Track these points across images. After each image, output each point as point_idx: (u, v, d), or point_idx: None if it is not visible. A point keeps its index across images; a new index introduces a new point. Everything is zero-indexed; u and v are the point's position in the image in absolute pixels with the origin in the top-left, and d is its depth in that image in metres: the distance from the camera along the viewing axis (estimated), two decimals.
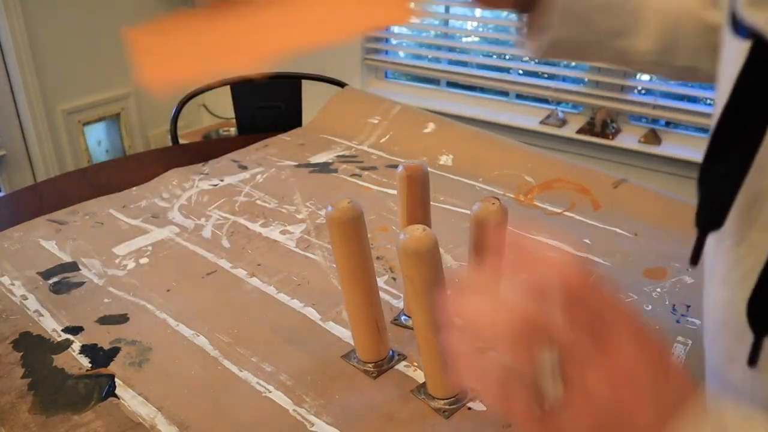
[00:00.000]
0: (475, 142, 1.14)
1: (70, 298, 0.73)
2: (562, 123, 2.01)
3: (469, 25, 2.30)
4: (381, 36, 2.34)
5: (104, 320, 0.69)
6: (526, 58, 2.12)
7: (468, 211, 0.58)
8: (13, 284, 0.75)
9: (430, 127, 1.20)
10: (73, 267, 0.79)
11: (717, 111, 0.38)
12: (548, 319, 0.27)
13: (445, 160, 1.12)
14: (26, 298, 0.73)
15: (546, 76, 2.09)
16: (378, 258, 0.81)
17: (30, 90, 2.20)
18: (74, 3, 2.29)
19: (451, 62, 2.25)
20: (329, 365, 0.62)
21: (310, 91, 1.65)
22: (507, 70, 2.14)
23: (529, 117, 2.09)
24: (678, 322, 0.69)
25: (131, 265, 0.80)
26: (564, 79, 2.04)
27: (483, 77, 2.14)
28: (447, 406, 0.56)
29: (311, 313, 0.70)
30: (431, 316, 0.52)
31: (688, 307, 0.72)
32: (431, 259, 0.49)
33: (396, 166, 1.13)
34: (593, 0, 0.53)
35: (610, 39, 0.55)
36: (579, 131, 1.95)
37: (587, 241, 0.86)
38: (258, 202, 0.97)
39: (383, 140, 1.20)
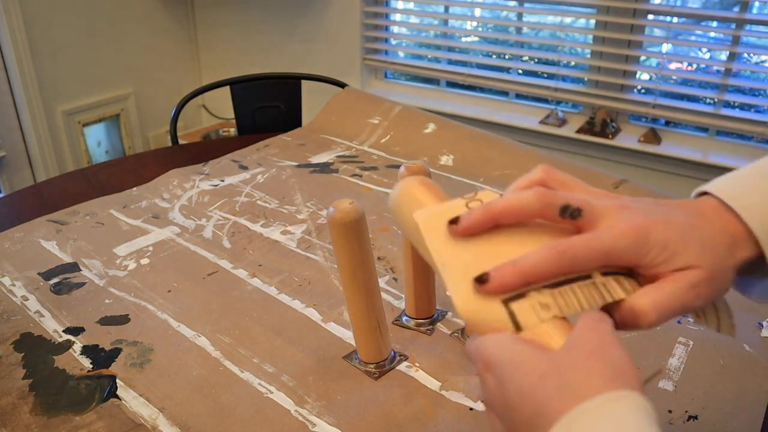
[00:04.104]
0: (476, 142, 1.14)
1: (71, 299, 0.73)
2: (562, 123, 2.01)
3: (469, 25, 2.30)
4: (381, 36, 2.34)
5: (105, 321, 0.69)
6: (526, 58, 2.12)
7: None
8: (13, 285, 0.75)
9: (431, 127, 1.20)
10: (73, 267, 0.79)
11: None
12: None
13: (446, 160, 1.12)
14: (27, 299, 0.73)
15: (546, 75, 2.09)
16: (379, 258, 0.81)
17: (30, 91, 2.20)
18: (74, 3, 2.29)
19: (450, 62, 2.25)
20: (331, 366, 0.62)
21: (310, 91, 1.65)
22: (507, 69, 2.14)
23: (528, 117, 2.09)
24: (679, 322, 0.69)
25: (132, 265, 0.80)
26: (564, 78, 2.04)
27: (483, 77, 2.14)
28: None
29: (312, 313, 0.70)
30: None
31: None
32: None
33: (397, 167, 1.13)
34: None
35: None
36: (579, 131, 1.95)
37: None
38: (259, 202, 0.97)
39: (384, 140, 1.20)
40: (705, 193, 0.40)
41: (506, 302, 0.34)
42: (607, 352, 0.31)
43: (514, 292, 0.34)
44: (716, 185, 0.39)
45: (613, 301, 0.35)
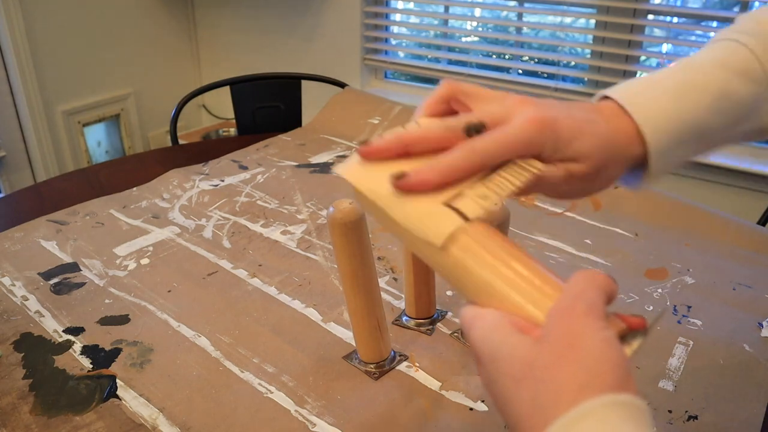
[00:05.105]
0: None
1: (71, 299, 0.73)
2: None
3: (469, 25, 2.30)
4: (381, 36, 2.34)
5: (105, 321, 0.69)
6: (526, 58, 2.12)
7: None
8: (13, 285, 0.75)
9: None
10: (73, 267, 0.79)
11: None
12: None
13: None
14: (27, 299, 0.73)
15: (546, 75, 2.09)
16: (379, 258, 0.81)
17: (30, 91, 2.20)
18: (74, 3, 2.29)
19: (451, 62, 2.25)
20: (331, 366, 0.62)
21: (310, 91, 1.65)
22: (507, 70, 2.14)
23: None
24: (679, 322, 0.69)
25: (132, 265, 0.80)
26: (564, 78, 2.04)
27: (483, 77, 2.13)
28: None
29: (312, 313, 0.70)
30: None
31: (689, 307, 0.72)
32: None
33: None
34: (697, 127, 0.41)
35: (729, 136, 0.44)
36: None
37: (588, 241, 0.86)
38: (259, 202, 0.97)
39: None
40: (605, 99, 0.42)
41: (447, 204, 0.35)
42: (578, 348, 0.29)
43: (448, 193, 0.36)
44: (615, 90, 0.42)
45: (538, 173, 0.37)
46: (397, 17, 2.36)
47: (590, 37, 1.95)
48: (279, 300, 0.73)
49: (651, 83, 0.42)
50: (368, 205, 0.38)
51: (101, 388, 0.59)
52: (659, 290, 0.75)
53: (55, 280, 0.76)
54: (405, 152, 0.38)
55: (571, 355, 0.29)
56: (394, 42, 2.39)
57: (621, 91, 0.41)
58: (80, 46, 2.35)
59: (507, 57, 2.17)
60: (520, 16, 2.10)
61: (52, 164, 2.35)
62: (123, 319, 0.69)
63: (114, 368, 0.62)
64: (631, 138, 0.40)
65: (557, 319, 0.31)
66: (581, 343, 0.29)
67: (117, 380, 0.60)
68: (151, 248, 0.84)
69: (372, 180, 0.37)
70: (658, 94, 0.41)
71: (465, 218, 0.34)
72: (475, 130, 0.37)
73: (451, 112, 0.42)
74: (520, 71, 2.13)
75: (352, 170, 0.38)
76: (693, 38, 1.91)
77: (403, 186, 0.36)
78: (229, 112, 1.80)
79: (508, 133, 0.37)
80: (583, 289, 0.31)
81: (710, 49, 0.44)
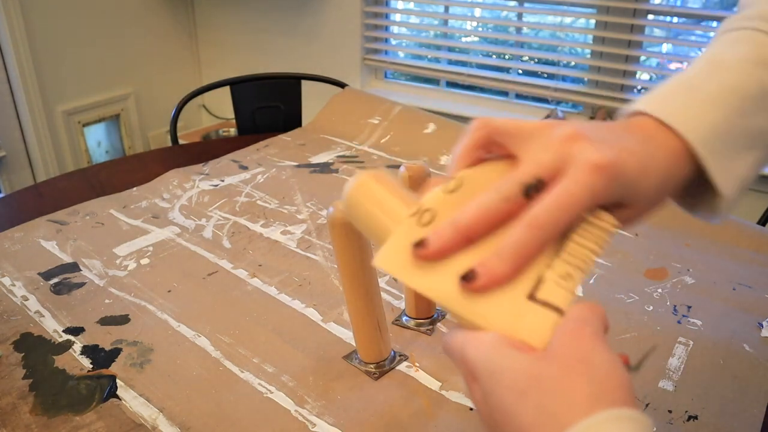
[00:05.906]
0: None
1: (71, 299, 0.73)
2: None
3: (469, 25, 2.30)
4: (381, 36, 2.34)
5: (105, 321, 0.69)
6: (526, 58, 2.12)
7: None
8: (13, 285, 0.75)
9: (431, 127, 1.20)
10: (73, 267, 0.79)
11: None
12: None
13: (446, 160, 1.12)
14: (27, 299, 0.73)
15: (546, 75, 2.09)
16: None
17: (30, 91, 2.20)
18: (74, 3, 2.29)
19: (450, 62, 2.25)
20: (331, 366, 0.62)
21: (310, 91, 1.65)
22: (506, 69, 2.14)
23: (528, 117, 2.09)
24: (679, 322, 0.69)
25: (132, 265, 0.80)
26: (564, 78, 2.04)
27: (483, 77, 2.14)
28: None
29: (312, 313, 0.70)
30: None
31: (689, 307, 0.72)
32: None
33: (397, 167, 1.12)
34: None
35: None
36: None
37: None
38: (259, 202, 0.97)
39: (384, 140, 1.20)
40: (639, 114, 0.37)
41: (532, 297, 0.32)
42: (588, 364, 0.29)
43: (526, 280, 0.32)
44: (649, 104, 0.37)
45: (614, 231, 0.33)
46: (397, 17, 2.36)
47: (590, 37, 1.95)
48: (279, 300, 0.73)
49: (686, 92, 0.37)
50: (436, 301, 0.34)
51: (101, 388, 0.59)
52: (659, 290, 0.75)
53: (55, 280, 0.76)
54: (468, 242, 0.33)
55: (582, 369, 0.29)
56: (394, 42, 2.39)
57: (656, 103, 0.37)
58: (80, 46, 2.35)
59: (507, 57, 2.17)
60: (520, 16, 2.10)
61: (52, 164, 2.35)
62: (123, 319, 0.69)
63: (114, 368, 0.62)
64: (680, 159, 0.36)
65: (565, 338, 0.31)
66: (591, 359, 0.29)
67: (117, 380, 0.60)
68: (151, 248, 0.84)
69: (434, 279, 0.33)
70: (698, 104, 0.36)
71: (557, 310, 0.32)
72: (536, 189, 0.33)
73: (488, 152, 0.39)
74: (520, 71, 2.13)
75: (405, 268, 0.34)
76: (693, 38, 1.91)
77: (476, 289, 0.32)
78: (229, 112, 1.80)
79: (572, 193, 0.32)
80: (588, 316, 0.31)
81: (731, 43, 0.40)
